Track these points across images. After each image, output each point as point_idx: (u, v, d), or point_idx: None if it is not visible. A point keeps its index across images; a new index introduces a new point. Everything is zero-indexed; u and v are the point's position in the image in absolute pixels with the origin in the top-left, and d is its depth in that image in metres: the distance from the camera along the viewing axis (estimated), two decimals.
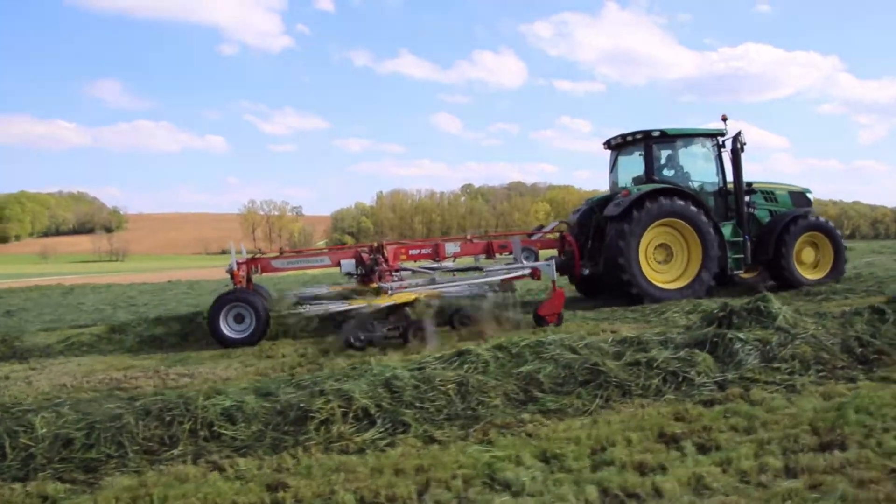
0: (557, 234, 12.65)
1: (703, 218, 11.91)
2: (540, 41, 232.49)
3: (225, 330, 9.84)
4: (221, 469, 4.21)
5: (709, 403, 4.98)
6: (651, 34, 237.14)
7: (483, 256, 11.89)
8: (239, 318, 9.91)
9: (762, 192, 13.12)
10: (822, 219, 12.84)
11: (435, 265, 11.19)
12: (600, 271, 12.21)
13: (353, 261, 10.80)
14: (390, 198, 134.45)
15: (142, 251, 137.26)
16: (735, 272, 12.57)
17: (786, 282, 12.36)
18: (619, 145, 13.30)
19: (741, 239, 12.43)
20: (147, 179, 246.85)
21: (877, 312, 6.75)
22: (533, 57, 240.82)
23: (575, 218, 13.28)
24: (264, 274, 11.42)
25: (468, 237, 12.01)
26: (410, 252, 11.49)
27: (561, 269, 11.73)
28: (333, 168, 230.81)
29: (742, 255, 12.41)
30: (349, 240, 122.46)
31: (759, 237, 12.73)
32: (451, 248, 11.62)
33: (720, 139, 12.73)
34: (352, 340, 8.99)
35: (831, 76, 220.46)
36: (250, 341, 9.76)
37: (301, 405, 4.88)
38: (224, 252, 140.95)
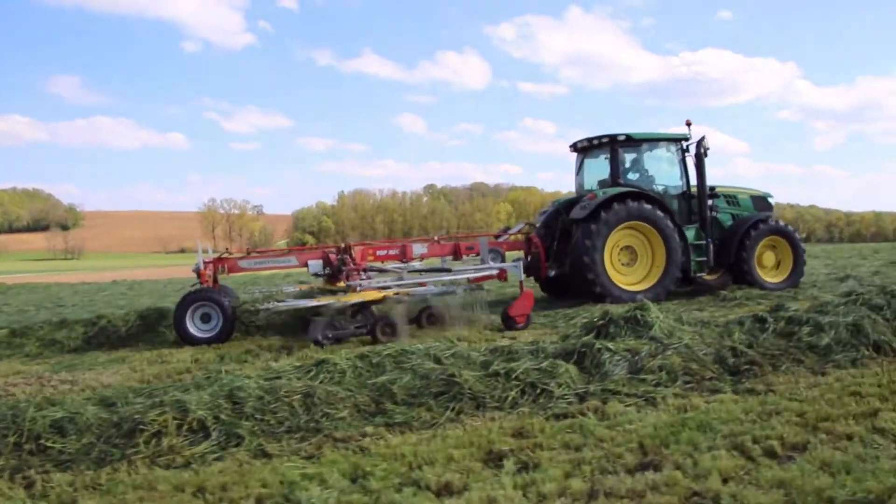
0: (524, 236, 12.77)
1: (668, 221, 12.09)
2: (504, 43, 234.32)
3: (191, 329, 9.80)
4: (31, 485, 4.03)
5: (561, 417, 4.85)
6: (614, 38, 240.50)
7: (450, 258, 11.96)
8: (206, 318, 9.90)
9: (725, 196, 13.38)
10: (782, 223, 13.12)
11: (401, 265, 11.22)
12: (566, 272, 12.34)
13: (321, 261, 10.81)
14: (352, 197, 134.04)
15: (98, 249, 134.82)
16: (698, 275, 12.81)
17: (747, 285, 12.60)
18: (585, 148, 13.44)
19: (704, 242, 12.65)
20: (106, 177, 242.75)
21: (759, 321, 6.76)
22: (497, 58, 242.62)
23: (541, 220, 13.38)
24: (230, 274, 11.34)
25: (435, 238, 12.05)
26: (378, 253, 11.49)
27: (527, 270, 11.86)
28: (296, 167, 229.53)
29: (705, 258, 12.63)
30: (310, 239, 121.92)
31: (721, 240, 12.96)
32: (418, 248, 11.65)
33: (684, 144, 12.93)
34: (320, 339, 9.07)
35: (789, 83, 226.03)
36: (217, 340, 9.74)
37: (136, 417, 4.71)
38: (182, 251, 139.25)
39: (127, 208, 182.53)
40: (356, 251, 10.95)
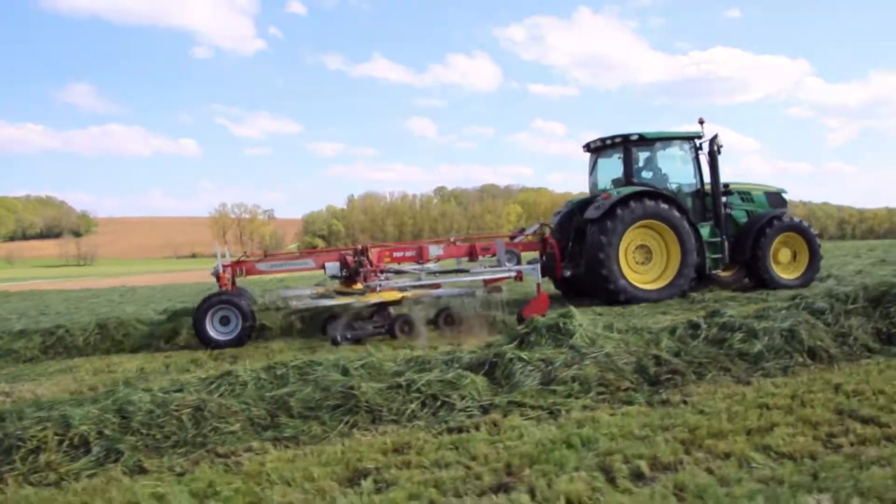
0: (539, 236, 12.83)
1: (682, 219, 12.15)
2: (514, 45, 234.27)
3: (211, 332, 9.91)
4: None
5: (454, 431, 4.67)
6: (623, 38, 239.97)
7: (466, 259, 12.03)
8: (225, 321, 10.01)
9: (739, 193, 13.41)
10: (798, 219, 13.13)
11: (418, 267, 11.31)
12: (581, 272, 12.41)
13: (338, 263, 10.91)
14: (362, 201, 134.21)
15: (111, 255, 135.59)
16: (713, 272, 12.84)
17: (762, 282, 12.63)
18: (598, 148, 13.52)
19: (719, 239, 12.69)
20: (119, 183, 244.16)
21: (692, 327, 6.56)
22: (507, 60, 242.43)
23: (555, 220, 13.46)
24: (248, 276, 11.46)
25: (451, 240, 12.15)
26: (394, 255, 11.58)
27: (542, 270, 11.91)
28: (307, 171, 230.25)
29: (720, 255, 12.67)
30: (320, 243, 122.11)
31: (736, 237, 13.00)
32: (434, 250, 11.72)
33: (697, 142, 13.00)
34: (338, 338, 9.22)
35: (800, 80, 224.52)
36: (236, 343, 9.86)
37: (17, 433, 4.56)
38: (194, 256, 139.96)
39: (139, 215, 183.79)
40: (373, 253, 11.05)
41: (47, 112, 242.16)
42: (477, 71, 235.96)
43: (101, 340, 10.31)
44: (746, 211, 13.36)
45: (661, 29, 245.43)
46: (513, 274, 10.45)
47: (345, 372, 5.76)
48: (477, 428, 4.68)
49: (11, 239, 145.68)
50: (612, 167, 13.40)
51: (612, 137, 12.98)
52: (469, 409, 5.05)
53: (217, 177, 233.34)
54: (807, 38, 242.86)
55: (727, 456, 3.84)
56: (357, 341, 9.30)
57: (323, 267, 11.01)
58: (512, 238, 12.76)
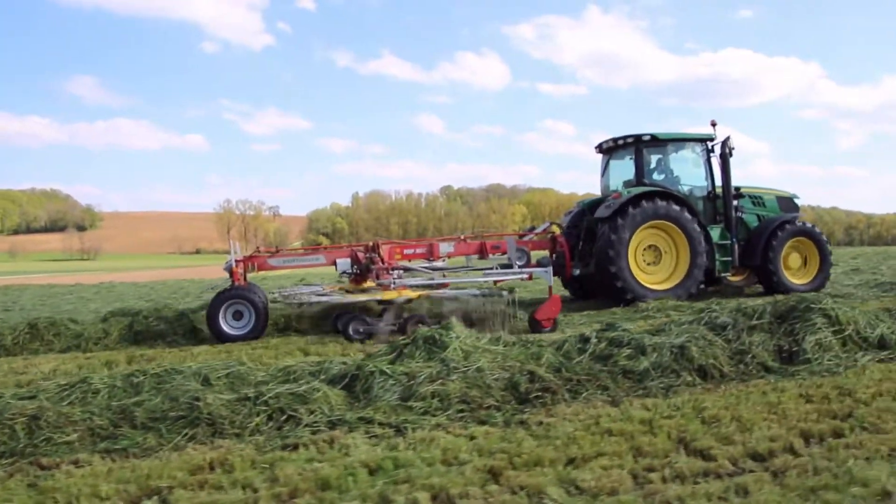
0: (549, 235, 12.89)
1: (692, 221, 12.19)
2: (523, 43, 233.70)
3: (224, 327, 9.99)
4: None
5: (290, 447, 4.47)
6: (633, 38, 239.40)
7: (476, 257, 12.08)
8: (238, 315, 10.09)
9: (750, 197, 13.44)
10: (809, 224, 13.16)
11: (428, 264, 11.37)
12: (591, 272, 12.46)
13: (349, 260, 10.97)
14: (366, 199, 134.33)
15: (115, 250, 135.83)
16: (723, 275, 12.88)
17: (773, 286, 12.63)
18: (610, 149, 13.57)
19: (729, 242, 12.72)
20: (126, 178, 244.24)
21: (582, 341, 6.26)
22: (516, 59, 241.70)
23: (566, 220, 13.52)
24: (260, 272, 11.53)
25: (461, 237, 12.21)
26: (405, 252, 11.66)
27: (553, 270, 11.94)
28: (316, 168, 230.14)
29: (730, 258, 12.69)
30: (324, 240, 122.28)
31: (747, 241, 13.03)
32: (444, 247, 11.79)
33: (709, 144, 13.04)
34: (351, 333, 9.33)
35: (812, 82, 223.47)
36: (250, 337, 9.96)
37: None
38: (198, 252, 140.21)
39: (146, 209, 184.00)
40: (384, 250, 11.10)
41: (53, 105, 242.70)
42: (486, 69, 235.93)
43: (31, 340, 10.02)
44: (757, 215, 13.38)
45: (671, 29, 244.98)
46: (525, 276, 10.48)
47: (205, 381, 5.54)
48: (307, 446, 4.44)
49: (16, 232, 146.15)
50: (623, 168, 13.44)
51: (625, 138, 13.03)
52: (316, 425, 4.82)
53: (225, 172, 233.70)
54: (819, 40, 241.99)
55: (521, 489, 3.55)
56: (369, 336, 9.39)
57: (334, 263, 11.10)
58: (521, 237, 12.81)
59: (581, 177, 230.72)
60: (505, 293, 10.28)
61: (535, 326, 9.75)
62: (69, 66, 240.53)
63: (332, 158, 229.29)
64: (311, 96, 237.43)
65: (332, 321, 10.39)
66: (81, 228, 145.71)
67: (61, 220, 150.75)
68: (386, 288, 10.02)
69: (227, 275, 10.84)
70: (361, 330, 9.42)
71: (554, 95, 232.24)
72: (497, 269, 10.86)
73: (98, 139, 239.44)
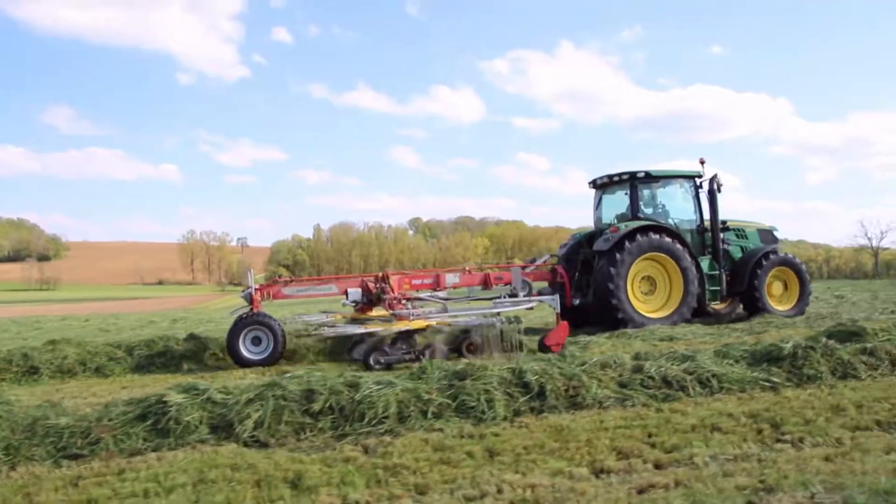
0: (549, 266, 13.56)
1: (685, 252, 13.02)
2: (497, 78, 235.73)
3: (243, 352, 10.44)
4: None
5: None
6: (606, 73, 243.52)
7: (479, 288, 12.66)
8: (256, 341, 10.53)
9: (734, 230, 14.38)
10: (790, 255, 14.15)
11: (443, 295, 11.92)
12: (589, 301, 13.15)
13: (360, 289, 11.50)
14: (329, 231, 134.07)
15: (76, 280, 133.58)
16: (711, 303, 13.70)
17: (758, 312, 13.49)
18: (604, 185, 14.39)
19: (717, 272, 13.58)
20: (98, 208, 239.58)
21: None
22: (490, 93, 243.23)
23: (562, 252, 14.22)
24: (274, 300, 11.97)
25: (466, 269, 12.81)
26: (413, 282, 12.20)
27: None
28: (291, 200, 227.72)
29: (718, 288, 13.55)
30: (284, 272, 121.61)
31: (732, 271, 13.91)
32: (450, 278, 12.35)
33: (698, 180, 13.93)
34: (371, 363, 9.75)
35: (781, 118, 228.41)
36: (268, 362, 10.39)
37: None
38: (160, 283, 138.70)
39: (118, 239, 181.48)
40: (393, 280, 11.65)
41: (28, 134, 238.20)
42: (460, 103, 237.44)
43: None
44: (741, 247, 14.30)
45: (643, 64, 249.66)
46: (534, 305, 11.13)
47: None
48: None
49: None
50: (616, 202, 14.27)
51: (620, 175, 13.87)
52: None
53: (199, 204, 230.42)
54: (788, 76, 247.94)
55: None
56: (388, 367, 9.84)
57: (345, 293, 11.60)
58: (524, 268, 13.46)
59: (554, 210, 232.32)
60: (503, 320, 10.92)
61: (544, 351, 10.36)
62: (44, 96, 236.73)
63: (307, 190, 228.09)
64: (286, 128, 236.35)
65: (347, 350, 10.87)
66: (44, 258, 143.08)
67: (24, 249, 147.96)
68: (403, 317, 10.52)
69: (244, 302, 11.33)
70: (382, 360, 9.88)
71: (528, 129, 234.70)
72: (505, 298, 11.45)
73: (71, 168, 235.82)
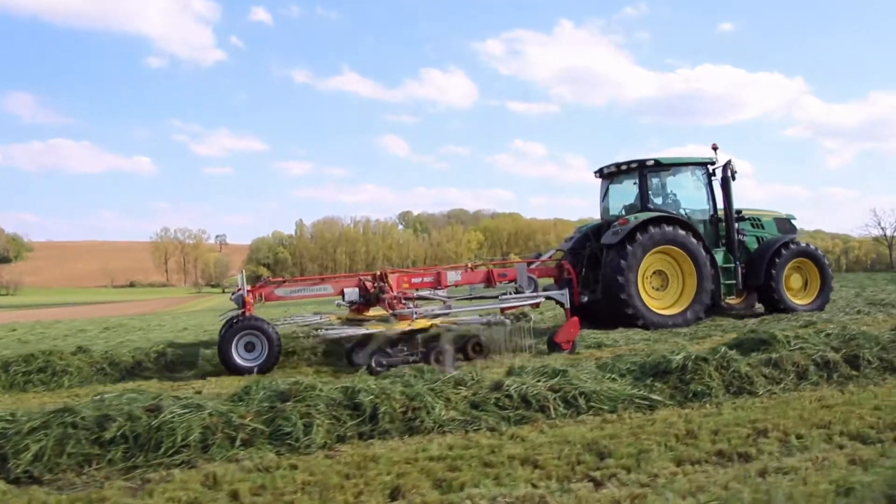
0: (555, 262, 13.34)
1: (699, 246, 12.76)
2: (491, 59, 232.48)
3: (237, 359, 10.10)
4: None
5: None
6: (608, 53, 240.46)
7: (482, 285, 12.43)
8: (249, 347, 10.16)
9: (749, 220, 14.14)
10: (810, 245, 13.93)
11: (435, 293, 11.69)
12: (598, 298, 12.92)
13: (357, 289, 11.24)
14: (313, 227, 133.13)
15: (41, 283, 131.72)
16: (727, 298, 13.51)
17: (776, 307, 13.30)
18: (611, 174, 14.13)
19: (732, 265, 13.34)
20: (65, 204, 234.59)
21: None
22: (484, 76, 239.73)
23: (568, 246, 13.97)
24: (266, 302, 11.67)
25: (468, 265, 12.55)
26: (413, 280, 11.92)
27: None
28: (273, 193, 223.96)
29: (734, 281, 13.31)
30: (265, 272, 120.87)
31: (748, 263, 13.68)
32: (452, 276, 12.08)
33: (710, 168, 13.70)
34: (373, 365, 9.51)
35: (796, 99, 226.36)
36: (263, 369, 10.01)
37: None
38: (132, 285, 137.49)
39: (87, 238, 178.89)
40: (392, 278, 11.40)
41: None
42: (452, 87, 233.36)
43: None
44: (757, 237, 14.07)
45: (648, 44, 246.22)
46: (541, 300, 10.92)
47: None
48: None
49: None
50: (624, 193, 14.01)
51: (628, 163, 13.58)
52: None
53: (175, 198, 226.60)
54: (804, 54, 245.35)
55: None
56: (390, 368, 9.60)
57: (342, 293, 11.34)
58: (529, 264, 13.22)
59: (554, 200, 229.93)
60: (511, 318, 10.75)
61: (555, 349, 10.16)
62: (2, 82, 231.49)
63: (291, 182, 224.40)
64: (266, 116, 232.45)
65: (346, 353, 10.61)
66: (4, 260, 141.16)
67: None
68: (405, 318, 10.28)
69: (235, 305, 11.02)
70: (384, 362, 9.65)
71: (525, 114, 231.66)
72: (511, 294, 11.24)
73: (34, 161, 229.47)
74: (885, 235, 73.89)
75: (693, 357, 6.71)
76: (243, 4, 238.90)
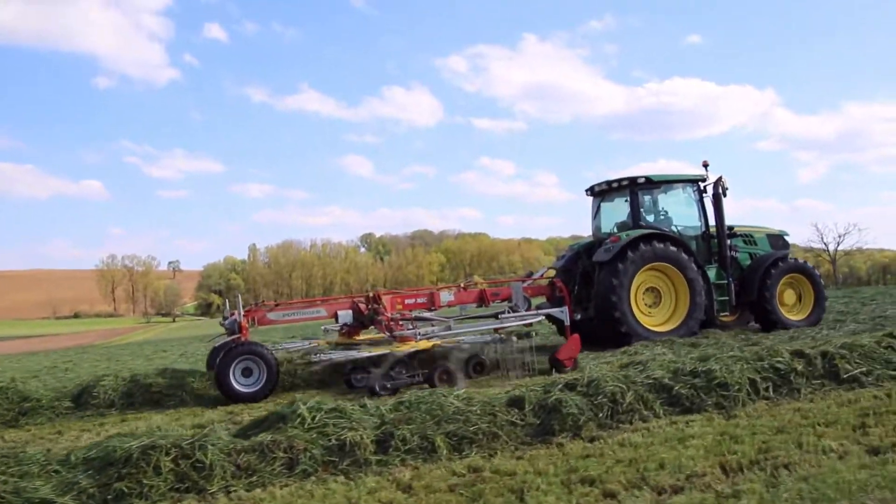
0: (547, 280, 13.98)
1: (691, 262, 13.55)
2: (455, 76, 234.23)
3: (234, 384, 10.50)
4: None
5: None
6: (574, 68, 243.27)
7: (474, 305, 13.02)
8: (247, 372, 10.57)
9: (742, 236, 15.00)
10: (802, 261, 14.81)
11: (444, 315, 12.27)
12: (591, 316, 13.60)
13: (350, 311, 11.77)
14: (267, 252, 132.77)
15: None
16: (721, 314, 14.27)
17: (770, 323, 14.10)
18: (602, 192, 14.90)
19: (725, 281, 14.17)
20: (6, 232, 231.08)
21: None
22: (448, 93, 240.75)
23: (560, 264, 14.68)
24: (259, 326, 12.14)
25: (461, 285, 13.17)
26: (406, 301, 12.48)
27: (550, 315, 12.97)
28: (232, 217, 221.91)
29: (727, 298, 14.13)
30: (216, 299, 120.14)
31: (741, 280, 14.50)
32: (445, 296, 12.68)
33: (702, 184, 14.55)
34: (377, 389, 10.03)
35: (768, 111, 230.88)
36: (261, 395, 10.47)
37: None
38: (76, 316, 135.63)
39: (32, 267, 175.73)
40: (385, 300, 11.95)
41: None
42: (416, 104, 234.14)
43: None
44: (749, 253, 14.91)
45: (615, 57, 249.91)
46: (541, 318, 11.56)
47: None
48: None
49: None
50: (615, 210, 14.80)
51: (619, 181, 14.40)
52: None
53: (129, 223, 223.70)
54: (774, 66, 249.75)
55: None
56: (395, 391, 10.13)
57: (335, 316, 11.84)
58: (523, 282, 13.86)
59: (521, 220, 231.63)
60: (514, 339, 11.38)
61: (557, 366, 10.79)
62: None
63: (250, 205, 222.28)
64: (223, 136, 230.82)
65: (345, 375, 11.09)
66: None
67: None
68: (405, 339, 10.80)
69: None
70: (388, 386, 10.18)
71: (491, 131, 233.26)
72: (508, 313, 11.84)
73: None
74: (827, 251, 74.63)
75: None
76: (197, 21, 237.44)
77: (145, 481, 5.35)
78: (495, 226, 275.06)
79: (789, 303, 14.58)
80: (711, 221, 14.55)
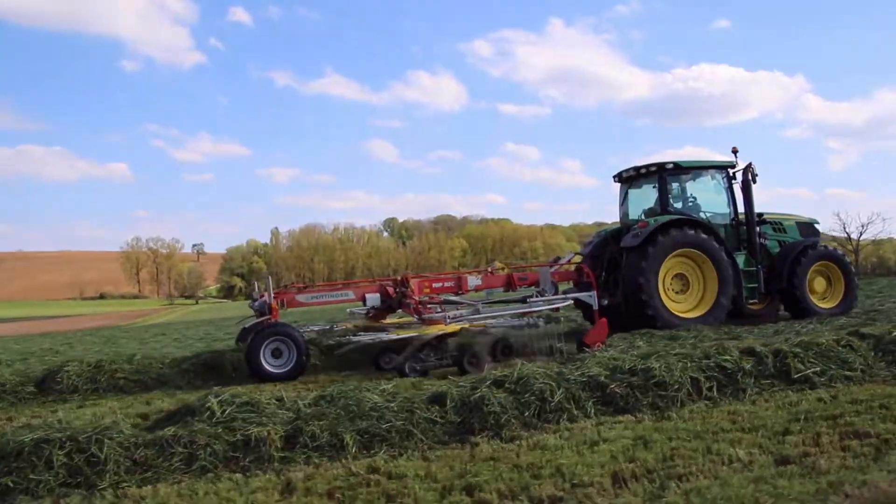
0: (574, 266, 14.14)
1: (720, 249, 13.64)
2: (480, 61, 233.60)
3: (265, 365, 10.80)
4: None
5: None
6: (600, 53, 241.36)
7: (501, 290, 13.23)
8: (277, 353, 10.88)
9: (771, 223, 15.06)
10: (832, 248, 14.83)
11: (474, 298, 12.49)
12: (618, 301, 13.74)
13: (378, 295, 12.01)
14: (289, 235, 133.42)
15: (7, 297, 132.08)
16: (750, 301, 14.35)
17: (800, 311, 14.16)
18: (630, 178, 15.01)
19: (754, 269, 14.25)
20: (36, 213, 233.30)
21: None
22: (473, 78, 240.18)
23: (587, 250, 14.83)
24: (288, 308, 12.42)
25: (489, 269, 13.39)
26: (434, 285, 12.72)
27: (578, 301, 13.17)
28: (257, 201, 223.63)
29: (756, 285, 14.22)
30: (238, 282, 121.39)
31: (770, 267, 14.58)
32: (472, 280, 12.89)
33: (731, 171, 14.61)
34: (407, 370, 10.28)
35: (797, 97, 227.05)
36: (291, 376, 10.78)
37: None
38: (102, 296, 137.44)
39: (61, 248, 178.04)
40: (413, 283, 12.18)
41: None
42: (441, 89, 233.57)
43: None
44: (779, 241, 14.98)
45: (642, 42, 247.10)
46: (570, 302, 11.74)
47: None
48: None
49: None
50: (643, 197, 14.91)
51: (647, 167, 14.50)
52: None
53: (155, 206, 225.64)
54: (804, 51, 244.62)
55: None
56: (424, 373, 10.36)
57: (363, 299, 12.10)
58: (549, 267, 14.03)
59: (549, 206, 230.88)
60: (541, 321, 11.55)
61: (584, 351, 10.96)
62: None
63: (275, 189, 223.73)
64: (248, 120, 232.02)
65: (375, 358, 11.34)
66: None
67: None
68: (434, 322, 11.02)
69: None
70: (418, 367, 10.41)
71: (517, 117, 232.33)
72: (536, 297, 12.02)
73: (4, 169, 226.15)
74: (849, 239, 73.59)
75: None
76: (221, 4, 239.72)
77: (33, 476, 5.26)
78: (520, 212, 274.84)
79: (819, 290, 14.63)
80: (741, 208, 14.61)
